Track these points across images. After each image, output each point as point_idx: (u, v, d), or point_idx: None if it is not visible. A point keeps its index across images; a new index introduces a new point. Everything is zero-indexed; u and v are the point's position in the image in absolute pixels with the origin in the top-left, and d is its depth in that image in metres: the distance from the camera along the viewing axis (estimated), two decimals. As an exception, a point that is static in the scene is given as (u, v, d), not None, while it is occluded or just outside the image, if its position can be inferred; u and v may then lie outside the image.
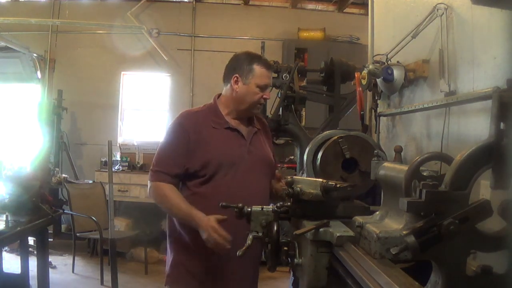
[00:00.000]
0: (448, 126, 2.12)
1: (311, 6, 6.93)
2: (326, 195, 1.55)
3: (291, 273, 2.18)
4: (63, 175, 5.60)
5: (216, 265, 1.98)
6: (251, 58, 2.04)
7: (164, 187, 1.98)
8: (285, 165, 5.35)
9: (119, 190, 5.48)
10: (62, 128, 6.02)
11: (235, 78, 2.03)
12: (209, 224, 1.82)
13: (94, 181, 5.56)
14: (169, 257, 2.10)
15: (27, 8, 6.46)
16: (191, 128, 2.00)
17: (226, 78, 2.08)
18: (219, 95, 2.14)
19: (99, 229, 4.55)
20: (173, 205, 1.96)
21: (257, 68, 2.01)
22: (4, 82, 6.66)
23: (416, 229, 1.06)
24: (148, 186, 2.05)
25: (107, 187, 4.60)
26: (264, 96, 2.04)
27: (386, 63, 2.54)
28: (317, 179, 1.63)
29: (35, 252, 3.44)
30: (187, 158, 1.98)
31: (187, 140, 1.98)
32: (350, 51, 5.70)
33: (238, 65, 2.04)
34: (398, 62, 2.54)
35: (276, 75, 3.13)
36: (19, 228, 2.78)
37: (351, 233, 1.39)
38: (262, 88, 2.02)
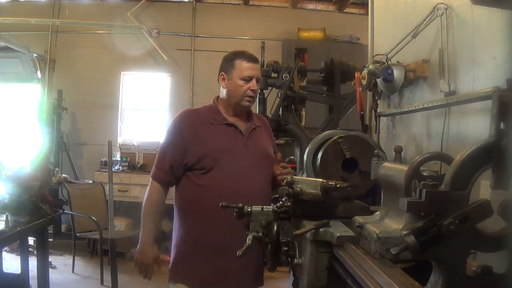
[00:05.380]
0: (448, 126, 2.12)
1: (311, 6, 6.93)
2: (326, 195, 1.55)
3: (291, 273, 2.17)
4: (63, 175, 5.60)
5: (217, 262, 2.02)
6: (233, 54, 2.14)
7: (150, 195, 2.15)
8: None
9: (119, 190, 5.48)
10: (62, 128, 6.02)
11: (222, 76, 2.14)
12: (148, 255, 2.09)
13: (94, 181, 5.56)
14: (172, 253, 2.16)
15: (27, 8, 6.46)
16: (186, 127, 2.10)
17: (218, 78, 2.18)
18: (218, 97, 2.22)
19: (99, 229, 4.55)
20: (143, 216, 2.19)
21: (238, 62, 2.09)
22: (4, 82, 6.65)
23: (416, 229, 1.06)
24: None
25: (107, 187, 4.60)
26: (251, 87, 2.08)
27: (386, 63, 2.54)
28: (317, 179, 1.63)
29: (35, 252, 3.44)
30: (183, 155, 2.07)
31: (181, 138, 2.09)
32: (350, 51, 5.70)
33: (223, 64, 2.15)
34: (398, 62, 2.54)
35: (276, 75, 3.14)
36: (19, 228, 2.78)
37: (351, 233, 1.39)
38: (246, 80, 2.08)
